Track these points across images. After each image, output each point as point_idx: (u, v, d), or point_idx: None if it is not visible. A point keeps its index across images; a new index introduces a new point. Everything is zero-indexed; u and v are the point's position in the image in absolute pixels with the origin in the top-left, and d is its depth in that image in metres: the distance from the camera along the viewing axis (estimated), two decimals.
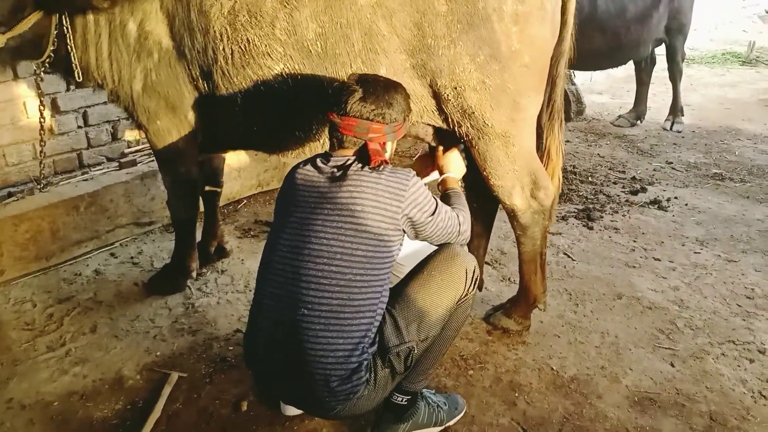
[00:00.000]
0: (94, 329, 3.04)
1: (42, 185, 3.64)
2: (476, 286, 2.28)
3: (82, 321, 3.09)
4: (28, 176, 3.98)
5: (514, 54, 2.54)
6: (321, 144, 2.89)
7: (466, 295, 2.24)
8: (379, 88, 2.17)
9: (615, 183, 5.00)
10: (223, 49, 2.65)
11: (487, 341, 2.96)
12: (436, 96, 2.62)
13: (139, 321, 3.10)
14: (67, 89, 4.06)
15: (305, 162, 2.23)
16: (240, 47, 2.62)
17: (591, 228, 4.16)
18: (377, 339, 2.09)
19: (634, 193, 4.78)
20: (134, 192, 3.81)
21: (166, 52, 2.77)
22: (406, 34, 2.51)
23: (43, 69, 2.86)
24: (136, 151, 4.31)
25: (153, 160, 4.01)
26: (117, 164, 4.10)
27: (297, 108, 2.73)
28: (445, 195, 2.46)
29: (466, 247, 2.43)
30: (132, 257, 3.69)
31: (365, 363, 2.05)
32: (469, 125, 2.64)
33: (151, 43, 2.75)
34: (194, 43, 2.70)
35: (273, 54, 2.61)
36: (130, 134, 4.38)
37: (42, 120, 3.11)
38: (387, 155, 2.20)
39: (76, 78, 2.86)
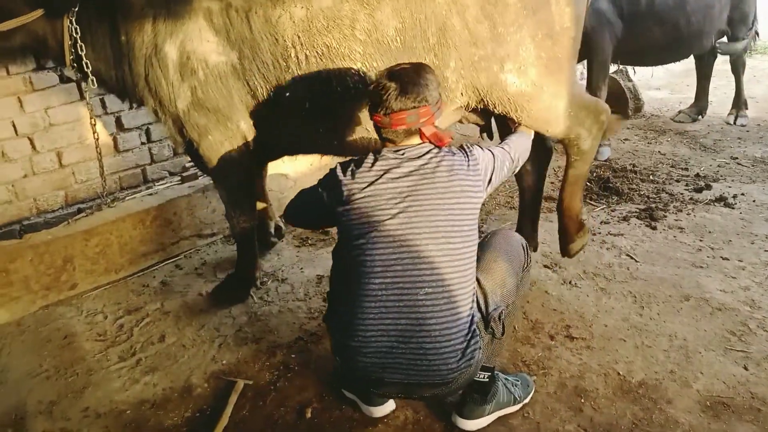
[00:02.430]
0: (162, 339, 3.13)
1: (109, 200, 3.78)
2: (531, 257, 2.60)
3: (151, 331, 3.20)
4: (96, 192, 4.15)
5: (564, 30, 2.86)
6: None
7: (527, 264, 2.55)
8: (412, 75, 2.27)
9: (678, 181, 4.85)
10: (296, 56, 2.75)
11: (549, 346, 2.92)
12: (498, 83, 2.81)
13: (205, 330, 3.18)
14: (130, 107, 4.20)
15: (366, 157, 2.30)
16: (316, 52, 2.75)
17: (654, 228, 4.05)
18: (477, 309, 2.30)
19: (699, 190, 4.62)
20: (196, 205, 3.91)
21: (213, 68, 2.83)
22: (477, 27, 2.72)
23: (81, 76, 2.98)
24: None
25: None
26: (179, 178, 4.23)
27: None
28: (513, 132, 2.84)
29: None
30: (196, 268, 3.79)
31: (475, 330, 2.23)
32: (527, 99, 2.88)
33: (195, 62, 2.82)
34: (257, 55, 2.78)
35: (352, 54, 2.75)
36: None
37: (96, 136, 3.24)
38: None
39: (90, 85, 2.96)
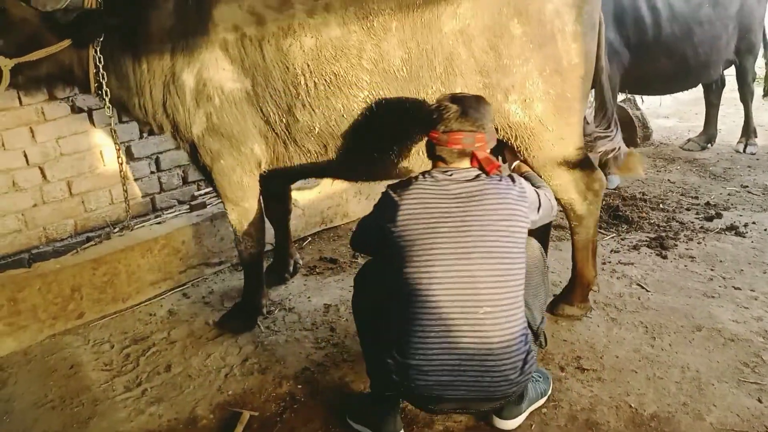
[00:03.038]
0: (168, 368, 3.11)
1: (129, 226, 3.80)
2: (546, 257, 2.74)
3: (157, 361, 3.18)
4: (105, 221, 4.17)
5: (573, 67, 2.90)
6: (392, 165, 3.09)
7: (546, 267, 2.71)
8: (473, 102, 2.44)
9: (688, 209, 4.82)
10: (305, 83, 2.84)
11: (559, 377, 2.87)
12: (501, 111, 2.88)
13: (211, 360, 3.16)
14: (140, 137, 4.26)
15: (417, 178, 2.40)
16: (324, 80, 2.84)
17: (665, 257, 4.01)
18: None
19: (709, 219, 4.59)
20: (204, 233, 3.92)
21: (229, 95, 2.92)
22: (483, 57, 2.81)
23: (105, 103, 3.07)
24: (206, 194, 4.46)
25: (220, 202, 4.13)
26: (188, 207, 4.25)
27: (379, 131, 2.95)
28: (525, 176, 2.78)
29: None
30: (203, 297, 3.78)
31: (530, 345, 2.34)
32: (532, 136, 2.96)
33: (211, 89, 2.91)
34: (269, 82, 2.87)
35: (359, 83, 2.83)
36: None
37: (120, 160, 3.32)
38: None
39: (107, 112, 3.08)
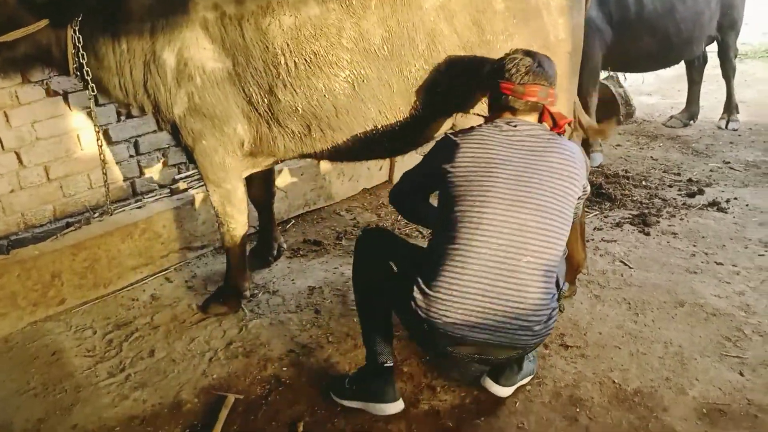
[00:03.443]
0: (152, 353, 3.08)
1: (109, 210, 3.75)
2: None
3: (140, 346, 3.15)
4: (84, 206, 4.11)
5: (560, 42, 2.86)
6: (377, 145, 3.04)
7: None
8: (544, 58, 2.42)
9: (670, 186, 4.84)
10: (285, 63, 2.78)
11: (543, 355, 2.88)
12: None
13: (195, 344, 3.14)
14: (118, 120, 4.19)
15: (480, 126, 2.44)
16: (304, 59, 2.78)
17: (648, 234, 4.03)
18: None
19: (691, 195, 4.61)
20: (185, 217, 3.87)
21: (210, 75, 2.87)
22: (465, 33, 2.76)
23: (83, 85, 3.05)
24: (187, 177, 4.40)
25: (201, 186, 4.09)
26: (168, 191, 4.19)
27: (362, 110, 2.90)
28: None
29: None
30: (186, 281, 3.75)
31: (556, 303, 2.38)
32: None
33: (192, 68, 2.86)
34: (250, 62, 2.82)
35: (339, 62, 2.78)
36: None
37: (99, 142, 3.29)
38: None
39: (91, 92, 3.03)
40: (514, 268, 2.25)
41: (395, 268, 2.58)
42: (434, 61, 2.80)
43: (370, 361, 2.62)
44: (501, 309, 2.26)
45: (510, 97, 2.40)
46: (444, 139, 2.48)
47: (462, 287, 2.26)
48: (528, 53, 2.43)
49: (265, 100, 2.90)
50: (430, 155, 2.52)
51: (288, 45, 2.78)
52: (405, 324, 2.53)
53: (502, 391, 2.62)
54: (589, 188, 2.57)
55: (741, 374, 2.72)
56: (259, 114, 2.96)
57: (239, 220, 3.28)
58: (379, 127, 2.97)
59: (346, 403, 2.63)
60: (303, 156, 3.28)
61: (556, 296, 2.38)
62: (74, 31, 2.90)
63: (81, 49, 2.92)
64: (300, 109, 2.89)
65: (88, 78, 2.99)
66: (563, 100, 2.97)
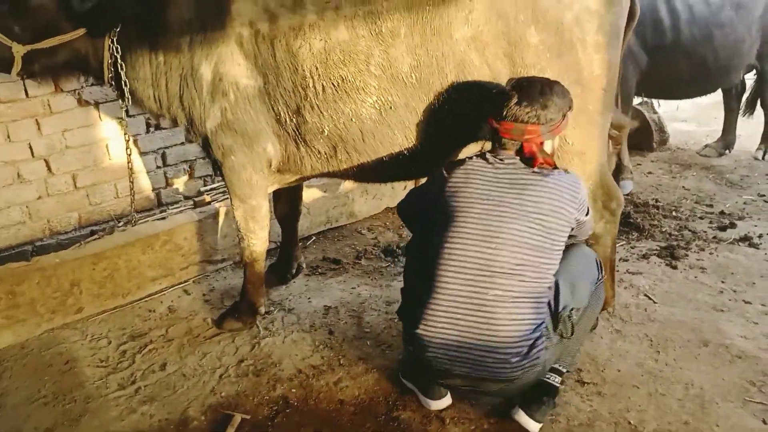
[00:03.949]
0: (163, 367, 3.09)
1: (133, 220, 3.79)
2: (603, 272, 2.70)
3: (153, 358, 3.16)
4: (110, 215, 4.16)
5: (595, 78, 2.81)
6: (403, 169, 3.07)
7: (600, 278, 2.67)
8: (535, 91, 2.42)
9: (701, 218, 4.70)
10: (314, 86, 2.82)
11: (558, 391, 2.80)
12: None
13: (207, 359, 3.13)
14: (147, 131, 4.24)
15: (471, 159, 2.50)
16: (332, 84, 2.81)
17: (675, 267, 3.91)
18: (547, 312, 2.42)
19: (723, 228, 4.47)
20: (207, 230, 3.89)
21: (243, 91, 2.90)
22: (497, 65, 2.76)
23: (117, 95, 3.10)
24: (211, 190, 4.43)
25: (225, 199, 4.11)
26: (192, 203, 4.22)
27: (388, 135, 2.91)
28: None
29: None
30: (204, 294, 3.76)
31: (543, 332, 2.36)
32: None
33: (227, 84, 2.89)
34: (279, 82, 2.84)
35: (367, 88, 2.81)
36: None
37: (129, 151, 3.35)
38: (548, 150, 2.48)
39: (126, 104, 3.09)
40: (482, 302, 2.30)
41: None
42: (463, 91, 2.79)
43: None
44: (474, 342, 2.31)
45: (505, 138, 2.46)
46: (436, 173, 2.56)
47: (437, 322, 2.36)
48: (519, 86, 2.45)
49: (293, 120, 2.92)
50: (426, 184, 2.67)
51: (317, 68, 2.80)
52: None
53: (534, 426, 2.55)
54: (587, 221, 2.58)
55: (764, 422, 2.60)
56: (288, 133, 2.98)
57: (261, 236, 3.29)
58: (404, 151, 2.96)
59: (406, 382, 2.76)
60: (329, 175, 3.28)
61: (546, 326, 2.38)
62: (112, 41, 2.95)
63: (119, 59, 2.97)
64: (326, 131, 2.90)
65: (125, 88, 3.03)
66: (596, 135, 2.94)
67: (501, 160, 2.44)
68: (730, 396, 2.76)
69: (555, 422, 2.63)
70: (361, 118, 2.86)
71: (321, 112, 2.86)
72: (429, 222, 2.51)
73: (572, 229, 2.48)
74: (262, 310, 3.45)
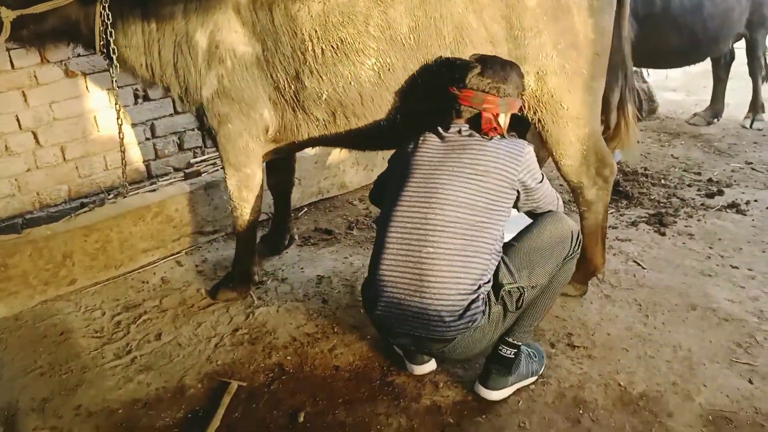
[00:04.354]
0: (159, 337, 3.11)
1: (124, 192, 3.78)
2: (580, 246, 2.62)
3: (148, 329, 3.17)
4: (99, 187, 4.14)
5: (589, 42, 2.86)
6: (401, 134, 2.99)
7: (572, 254, 2.57)
8: (497, 66, 2.51)
9: (690, 185, 4.75)
10: (313, 50, 2.82)
11: (549, 354, 2.85)
12: None
13: (202, 329, 3.15)
14: (135, 102, 4.21)
15: (425, 133, 2.58)
16: (332, 46, 2.82)
17: (663, 234, 3.96)
18: (491, 279, 2.42)
19: (711, 196, 4.52)
20: (198, 201, 3.88)
21: (240, 59, 2.90)
22: (494, 27, 2.79)
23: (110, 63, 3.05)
24: (202, 161, 4.41)
25: (216, 170, 4.10)
26: (183, 174, 4.20)
27: (387, 98, 2.93)
28: None
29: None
30: (197, 265, 3.77)
31: (482, 297, 2.38)
32: (545, 110, 2.92)
33: (223, 51, 2.89)
34: (278, 47, 2.85)
35: (366, 50, 2.81)
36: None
37: (120, 121, 3.31)
38: (502, 126, 2.52)
39: (116, 70, 3.05)
40: (416, 259, 2.39)
41: None
42: (460, 53, 2.80)
43: None
44: (411, 300, 2.39)
45: (453, 100, 2.52)
46: (396, 150, 2.67)
47: (381, 281, 2.46)
48: (482, 59, 2.52)
49: (292, 86, 2.92)
50: (387, 169, 2.74)
51: (316, 31, 2.80)
52: None
53: (491, 395, 2.59)
54: (542, 189, 2.56)
55: (750, 382, 2.66)
56: (285, 100, 2.98)
57: (253, 205, 3.28)
58: (403, 115, 2.98)
59: (397, 349, 2.80)
60: (325, 143, 3.30)
61: (484, 290, 2.39)
62: (104, 8, 2.90)
63: (109, 27, 2.93)
64: (325, 96, 2.91)
65: (114, 56, 3.00)
66: (590, 101, 2.97)
67: (450, 128, 2.51)
68: (717, 357, 2.82)
69: (546, 384, 2.68)
70: (360, 81, 2.87)
71: (320, 76, 2.87)
72: (388, 190, 2.61)
73: (519, 193, 2.49)
74: (256, 278, 3.47)
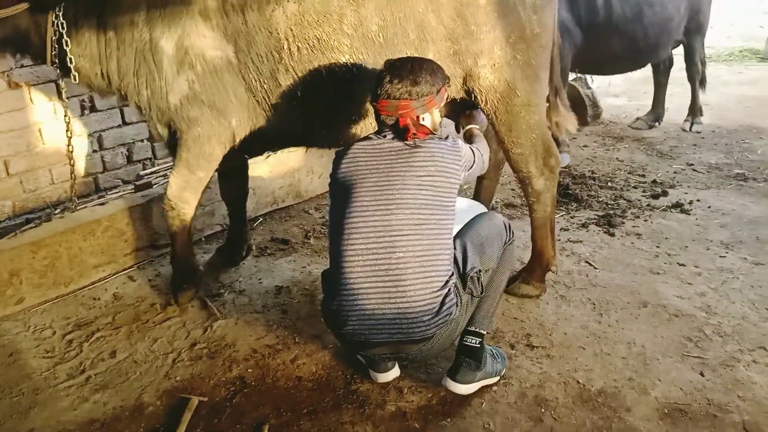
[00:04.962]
0: (113, 354, 3.02)
1: (72, 207, 3.66)
2: (513, 234, 2.79)
3: (101, 346, 3.08)
4: (46, 202, 4.01)
5: (535, 36, 3.06)
6: (366, 129, 3.15)
7: (510, 240, 2.77)
8: (405, 70, 2.52)
9: (635, 187, 4.91)
10: (288, 48, 2.87)
11: (510, 355, 2.90)
12: (472, 75, 3.04)
13: (158, 345, 3.08)
14: (82, 114, 4.09)
15: (359, 141, 2.61)
16: (308, 44, 2.89)
17: (612, 235, 4.08)
18: (454, 271, 2.49)
19: (656, 197, 4.69)
20: (150, 214, 3.80)
21: (211, 62, 2.90)
22: (451, 24, 2.94)
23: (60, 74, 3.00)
24: (152, 173, 4.32)
25: (167, 181, 4.01)
26: (133, 187, 4.11)
27: (356, 95, 3.01)
28: (469, 136, 3.05)
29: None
30: (150, 279, 3.68)
31: (452, 289, 2.45)
32: (500, 98, 3.08)
33: (193, 56, 2.88)
34: (252, 47, 2.87)
35: (341, 47, 2.91)
36: None
37: (69, 134, 3.23)
38: (428, 124, 2.58)
39: (73, 80, 2.98)
40: (387, 267, 2.40)
41: None
42: (422, 50, 2.94)
43: None
44: (386, 307, 2.40)
45: (383, 115, 2.56)
46: (336, 154, 2.65)
47: (349, 295, 2.44)
48: (390, 66, 2.56)
49: (265, 85, 2.95)
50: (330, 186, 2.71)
51: (291, 30, 2.85)
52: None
53: (459, 388, 2.64)
54: (475, 165, 2.71)
55: (702, 374, 2.76)
56: (257, 101, 3.01)
57: (192, 206, 3.23)
58: (371, 112, 3.02)
59: (360, 357, 2.78)
60: (294, 144, 3.39)
61: (453, 284, 2.46)
62: (57, 17, 2.83)
63: (64, 36, 2.85)
64: (300, 93, 2.96)
65: (71, 65, 2.92)
66: (538, 89, 3.16)
67: (383, 136, 2.56)
68: (669, 352, 2.92)
69: (508, 385, 2.72)
70: (335, 78, 2.94)
71: (295, 74, 2.92)
72: (331, 208, 2.63)
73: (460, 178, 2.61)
74: (201, 268, 3.52)
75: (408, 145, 2.50)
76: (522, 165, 3.21)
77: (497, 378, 2.73)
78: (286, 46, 2.87)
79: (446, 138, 2.60)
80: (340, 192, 2.55)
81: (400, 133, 2.52)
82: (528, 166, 3.21)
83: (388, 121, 2.55)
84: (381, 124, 2.61)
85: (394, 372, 2.76)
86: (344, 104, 3.04)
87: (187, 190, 3.16)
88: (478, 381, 2.66)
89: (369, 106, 2.98)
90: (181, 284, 3.36)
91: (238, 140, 3.10)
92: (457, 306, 2.46)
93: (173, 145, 3.15)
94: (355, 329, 2.44)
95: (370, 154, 2.53)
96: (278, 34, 2.86)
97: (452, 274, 2.47)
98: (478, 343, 2.63)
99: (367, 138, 2.61)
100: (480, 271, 2.55)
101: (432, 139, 2.54)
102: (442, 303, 2.41)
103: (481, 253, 2.60)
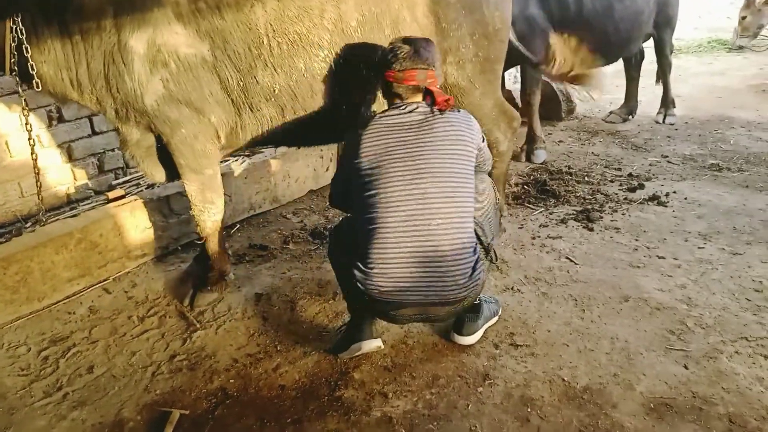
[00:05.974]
0: (91, 369, 2.95)
1: (45, 219, 3.58)
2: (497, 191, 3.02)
3: (78, 362, 3.00)
4: (15, 216, 3.91)
5: (496, 32, 3.31)
6: (344, 125, 3.10)
7: (497, 199, 2.98)
8: (422, 42, 2.70)
9: (612, 181, 4.93)
10: (268, 44, 2.90)
11: (494, 355, 2.88)
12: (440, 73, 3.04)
13: (137, 358, 3.01)
14: (50, 125, 4.00)
15: (380, 116, 2.68)
16: (288, 39, 2.93)
17: (591, 229, 4.09)
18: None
19: (632, 190, 4.71)
20: (124, 225, 3.72)
21: (185, 60, 2.85)
22: (424, 21, 3.10)
23: (19, 83, 2.90)
24: (125, 182, 4.24)
25: (140, 191, 3.94)
26: (105, 198, 4.03)
27: (336, 89, 3.10)
28: None
29: None
30: (126, 291, 3.60)
31: (479, 256, 2.64)
32: (462, 92, 3.35)
33: (166, 54, 2.82)
34: (228, 44, 2.86)
35: (321, 42, 2.98)
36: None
37: (32, 142, 3.12)
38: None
39: (35, 88, 2.86)
40: (427, 233, 2.52)
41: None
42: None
43: (350, 307, 2.95)
44: (424, 271, 2.54)
45: (393, 84, 2.67)
46: (349, 136, 2.73)
47: (388, 259, 2.55)
48: (407, 40, 2.70)
49: (242, 82, 2.94)
50: (344, 154, 2.81)
51: (271, 26, 2.87)
52: (352, 298, 2.81)
53: (466, 340, 2.92)
54: (485, 147, 2.85)
55: (686, 367, 2.77)
56: (232, 99, 2.99)
57: (219, 205, 3.32)
58: (349, 107, 3.12)
59: (345, 354, 2.88)
60: (271, 142, 3.39)
61: (479, 249, 2.66)
62: (14, 22, 2.72)
63: (24, 42, 2.74)
64: (278, 90, 2.98)
65: (33, 72, 2.82)
66: (493, 79, 3.49)
67: (404, 108, 2.66)
68: (652, 346, 2.92)
69: (493, 385, 2.70)
70: (313, 73, 3.00)
71: (275, 70, 2.94)
72: (358, 184, 2.65)
73: (477, 154, 2.73)
74: (231, 276, 3.54)
75: (431, 114, 2.63)
76: (489, 135, 3.54)
77: (496, 318, 3.06)
78: (266, 42, 2.89)
79: (458, 110, 2.75)
80: (368, 164, 2.61)
81: (432, 101, 2.65)
82: (494, 134, 3.67)
83: (410, 93, 2.66)
84: (397, 97, 2.70)
85: (378, 342, 2.88)
86: (319, 101, 3.10)
87: (206, 191, 3.21)
88: (481, 328, 2.95)
89: (350, 98, 3.10)
90: (206, 286, 3.39)
91: (222, 138, 3.11)
92: (483, 272, 2.67)
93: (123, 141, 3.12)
94: (390, 290, 2.56)
95: (395, 128, 2.63)
96: (257, 29, 2.87)
97: (476, 242, 2.66)
98: (478, 300, 2.86)
99: (385, 113, 2.69)
100: (494, 238, 2.81)
101: (448, 111, 2.68)
102: (474, 267, 2.59)
103: (488, 220, 2.82)
